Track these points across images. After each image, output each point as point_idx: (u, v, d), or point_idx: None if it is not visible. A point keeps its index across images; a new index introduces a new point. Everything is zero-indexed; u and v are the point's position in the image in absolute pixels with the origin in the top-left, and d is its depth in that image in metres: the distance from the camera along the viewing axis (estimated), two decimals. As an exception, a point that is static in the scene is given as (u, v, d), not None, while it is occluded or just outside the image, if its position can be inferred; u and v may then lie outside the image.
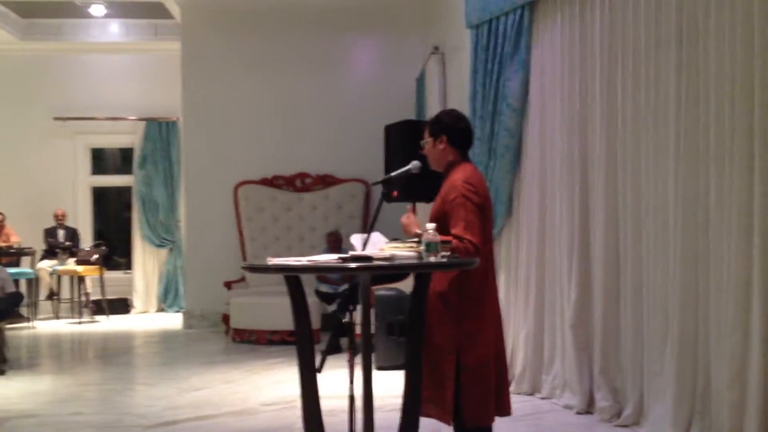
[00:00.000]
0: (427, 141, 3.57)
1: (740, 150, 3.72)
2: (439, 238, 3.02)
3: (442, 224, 3.36)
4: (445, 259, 3.03)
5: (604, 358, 4.93)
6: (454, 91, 7.37)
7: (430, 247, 3.00)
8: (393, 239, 3.46)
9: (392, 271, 3.17)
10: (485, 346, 3.46)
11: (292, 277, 3.16)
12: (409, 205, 3.52)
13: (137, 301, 11.59)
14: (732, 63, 3.77)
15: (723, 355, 3.84)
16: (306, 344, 3.19)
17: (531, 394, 5.59)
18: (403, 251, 3.08)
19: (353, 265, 2.83)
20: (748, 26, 3.67)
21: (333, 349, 3.52)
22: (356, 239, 3.29)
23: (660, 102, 4.40)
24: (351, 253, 2.99)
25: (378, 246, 3.19)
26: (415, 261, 3.03)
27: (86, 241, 11.38)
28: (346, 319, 3.23)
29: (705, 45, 4.00)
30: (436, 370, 3.40)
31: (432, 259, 2.99)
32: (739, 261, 3.73)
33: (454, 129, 3.57)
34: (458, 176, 3.45)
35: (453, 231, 3.30)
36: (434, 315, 3.41)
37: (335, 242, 8.68)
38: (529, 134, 5.75)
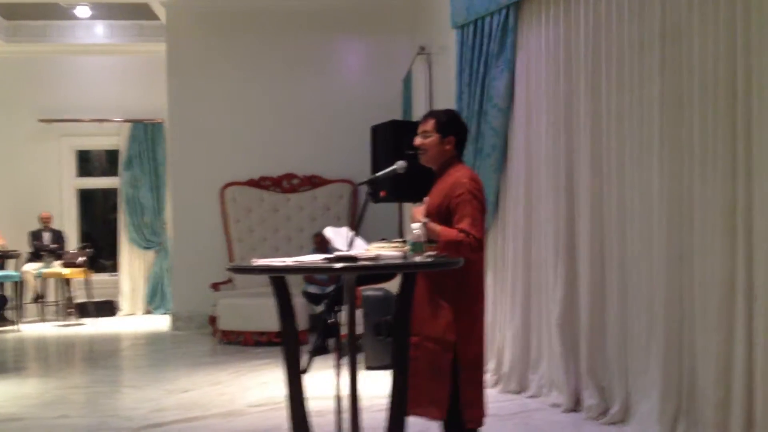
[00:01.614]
0: (433, 136, 3.57)
1: (723, 150, 3.75)
2: (423, 238, 3.03)
3: (443, 219, 3.40)
4: (430, 259, 3.03)
5: (590, 356, 4.95)
6: (441, 91, 7.39)
7: (416, 246, 3.00)
8: (381, 239, 3.47)
9: (377, 271, 3.18)
10: (480, 343, 3.53)
11: (278, 278, 3.16)
12: (426, 198, 3.49)
13: (124, 304, 11.54)
14: (715, 62, 3.80)
15: (708, 353, 3.86)
16: (292, 345, 3.18)
17: (518, 392, 5.60)
18: (389, 251, 3.08)
19: (338, 265, 2.83)
20: (730, 26, 3.70)
21: (320, 350, 3.52)
22: (330, 231, 3.29)
23: (644, 101, 4.42)
24: (336, 253, 2.99)
25: (349, 241, 3.19)
26: (400, 261, 3.03)
27: (72, 243, 11.33)
28: (331, 320, 3.23)
29: (688, 45, 4.03)
30: (430, 367, 3.41)
31: (417, 259, 2.99)
32: (723, 259, 3.76)
33: (462, 131, 3.65)
34: (463, 174, 3.52)
35: (459, 225, 3.35)
36: (432, 311, 3.43)
37: (322, 243, 8.67)
38: (514, 134, 5.77)
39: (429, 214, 3.45)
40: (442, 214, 3.44)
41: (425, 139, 3.57)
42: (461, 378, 3.42)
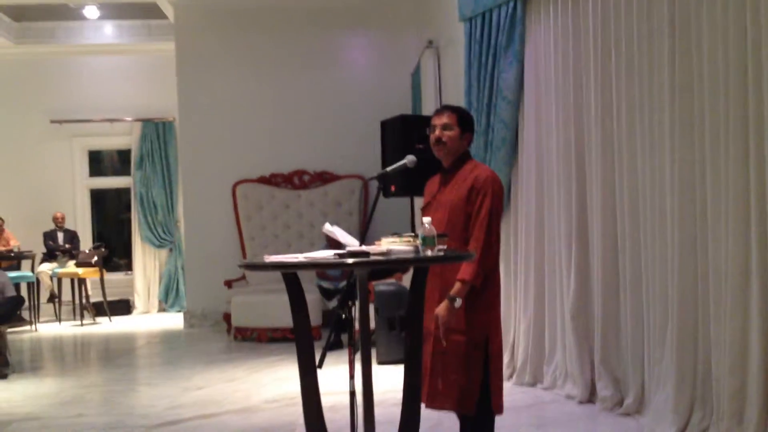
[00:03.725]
0: (455, 130, 3.58)
1: (735, 137, 3.72)
2: (435, 231, 3.02)
3: (464, 214, 3.47)
4: (442, 253, 3.03)
5: (604, 347, 4.94)
6: (450, 84, 7.37)
7: (427, 241, 2.99)
8: (393, 233, 3.47)
9: (389, 266, 3.19)
10: (500, 332, 3.59)
11: (290, 274, 3.17)
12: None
13: (138, 302, 11.60)
14: (725, 50, 3.77)
15: (723, 341, 3.85)
16: (305, 341, 3.18)
17: (533, 385, 5.60)
18: (400, 245, 3.07)
19: (350, 260, 2.83)
20: (740, 14, 3.67)
21: (334, 345, 3.53)
22: (329, 227, 3.31)
23: (654, 91, 4.40)
24: (348, 248, 2.99)
25: (345, 238, 3.21)
26: (412, 255, 3.03)
27: (86, 243, 11.39)
28: (344, 315, 3.23)
29: (698, 33, 4.00)
30: (461, 360, 3.43)
31: (429, 253, 2.98)
32: (737, 247, 3.73)
33: (474, 130, 3.71)
34: (484, 169, 3.58)
35: (480, 219, 3.43)
36: (465, 304, 3.44)
37: (331, 238, 8.66)
38: (525, 126, 5.75)
39: (451, 208, 3.48)
40: (463, 207, 3.47)
41: (446, 131, 3.57)
42: (490, 369, 3.47)
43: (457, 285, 3.39)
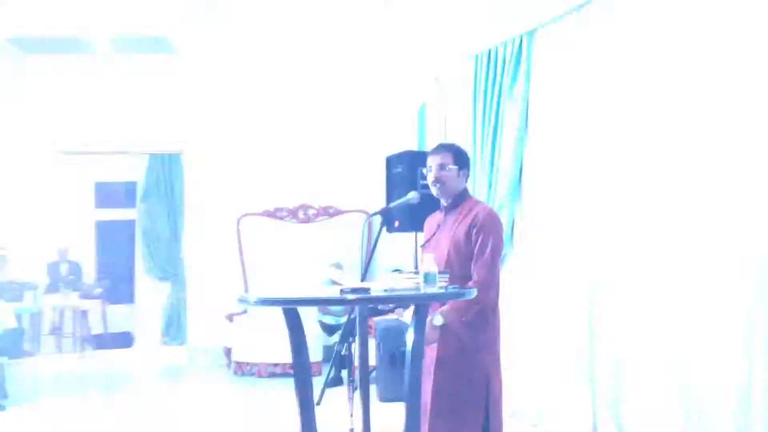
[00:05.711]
0: (452, 169, 3.56)
1: (737, 180, 3.70)
2: (436, 269, 3.00)
3: (464, 251, 3.45)
4: (443, 290, 3.00)
5: (607, 391, 4.86)
6: (455, 120, 7.36)
7: (428, 278, 2.97)
8: (394, 270, 3.44)
9: (390, 303, 3.15)
10: (501, 374, 3.56)
11: (290, 309, 3.13)
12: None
13: (140, 335, 11.52)
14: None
15: (727, 385, 3.79)
16: (304, 377, 3.14)
17: (534, 426, 5.51)
18: (401, 282, 3.04)
19: (351, 297, 2.80)
20: (745, 51, 3.67)
21: (333, 382, 3.49)
22: (334, 274, 3.28)
23: (659, 129, 4.38)
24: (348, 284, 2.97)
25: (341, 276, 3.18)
26: (413, 292, 3.00)
27: (89, 274, 11.36)
28: (344, 352, 3.19)
29: (705, 75, 4.00)
30: (463, 400, 3.39)
31: (430, 290, 2.95)
32: (741, 293, 3.69)
33: (470, 163, 3.72)
34: (483, 207, 3.58)
35: (484, 258, 3.41)
36: (466, 343, 3.40)
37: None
38: (529, 162, 5.74)
39: (452, 245, 3.45)
40: (462, 246, 3.45)
41: (444, 171, 3.56)
42: (491, 410, 3.43)
43: (447, 307, 3.35)
